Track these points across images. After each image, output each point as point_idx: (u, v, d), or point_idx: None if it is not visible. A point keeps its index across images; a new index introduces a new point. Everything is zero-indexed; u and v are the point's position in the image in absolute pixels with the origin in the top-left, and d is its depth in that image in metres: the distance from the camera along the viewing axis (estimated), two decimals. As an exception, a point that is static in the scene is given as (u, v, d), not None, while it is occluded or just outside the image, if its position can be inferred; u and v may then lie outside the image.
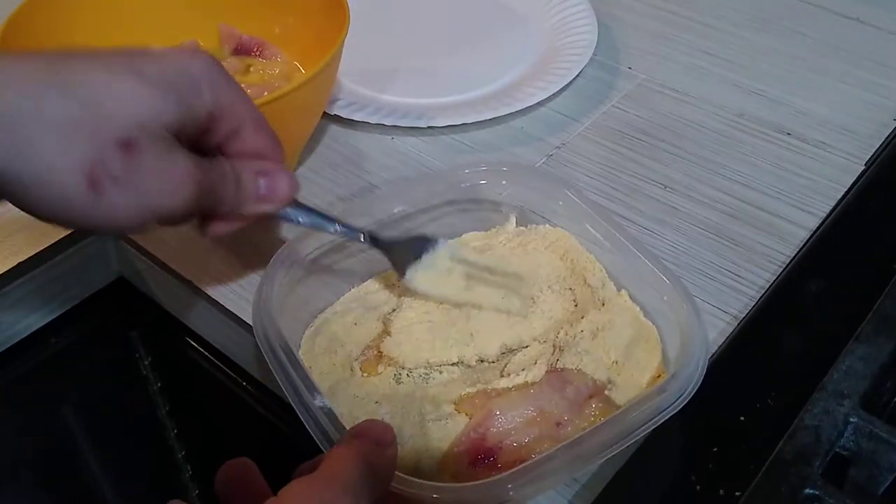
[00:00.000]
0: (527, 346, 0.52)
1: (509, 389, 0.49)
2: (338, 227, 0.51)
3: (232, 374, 0.63)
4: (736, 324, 0.55)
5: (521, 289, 0.54)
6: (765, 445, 0.45)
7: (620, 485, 0.46)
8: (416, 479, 0.40)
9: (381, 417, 0.48)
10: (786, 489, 0.42)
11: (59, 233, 0.62)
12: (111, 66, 0.38)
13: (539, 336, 0.52)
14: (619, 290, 0.54)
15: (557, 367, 0.49)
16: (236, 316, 0.57)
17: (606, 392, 0.48)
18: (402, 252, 0.53)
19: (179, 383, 0.76)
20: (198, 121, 0.41)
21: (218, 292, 0.58)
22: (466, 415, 0.48)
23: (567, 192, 0.56)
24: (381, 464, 0.37)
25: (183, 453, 0.81)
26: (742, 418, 0.48)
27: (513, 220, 0.59)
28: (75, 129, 0.36)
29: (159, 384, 0.76)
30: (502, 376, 0.50)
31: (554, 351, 0.51)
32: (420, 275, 0.53)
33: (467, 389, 0.49)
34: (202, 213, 0.43)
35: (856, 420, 0.44)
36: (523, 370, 0.50)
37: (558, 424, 0.46)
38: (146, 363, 0.74)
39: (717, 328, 0.55)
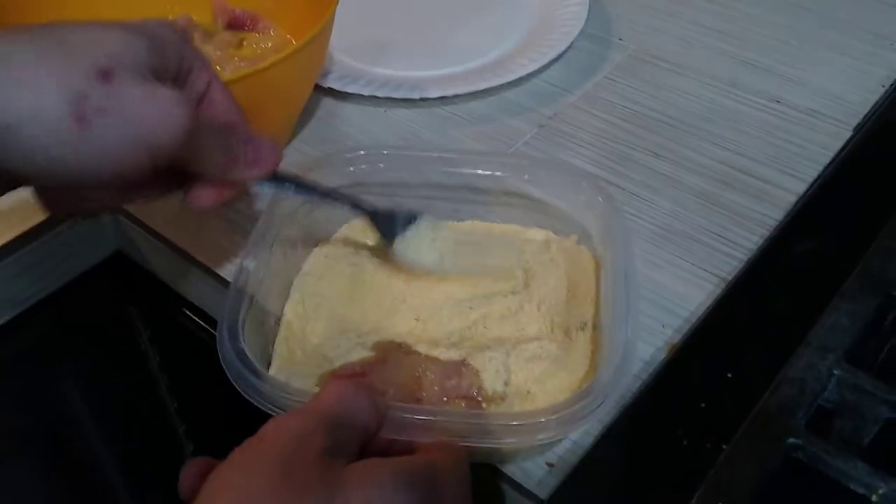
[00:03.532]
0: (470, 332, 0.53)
1: (419, 354, 0.50)
2: (322, 197, 0.52)
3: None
4: (724, 286, 0.56)
5: (508, 254, 0.56)
6: (751, 400, 0.46)
7: (609, 440, 0.47)
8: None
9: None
10: (770, 440, 0.43)
11: (57, 205, 0.62)
12: (81, 21, 0.39)
13: (496, 336, 0.52)
14: (587, 329, 0.52)
15: (466, 359, 0.50)
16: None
17: (483, 404, 0.48)
18: (388, 223, 0.54)
19: (179, 357, 0.76)
20: (169, 68, 0.42)
21: (215, 262, 0.59)
22: (374, 353, 0.50)
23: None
24: (362, 405, 0.38)
25: (184, 428, 0.82)
26: (729, 375, 0.48)
27: (573, 238, 0.57)
28: (48, 67, 0.36)
29: (159, 358, 0.77)
30: (432, 345, 0.51)
31: (482, 346, 0.51)
32: (408, 246, 0.54)
33: (394, 339, 0.52)
34: (190, 169, 0.43)
35: (839, 373, 0.45)
36: (448, 348, 0.51)
37: (417, 400, 0.47)
38: (145, 337, 0.75)
39: (706, 290, 0.55)
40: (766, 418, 0.44)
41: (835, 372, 0.45)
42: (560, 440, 0.48)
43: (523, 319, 0.53)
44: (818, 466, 0.42)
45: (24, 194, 0.61)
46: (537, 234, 0.58)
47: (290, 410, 0.36)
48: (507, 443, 0.43)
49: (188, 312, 0.65)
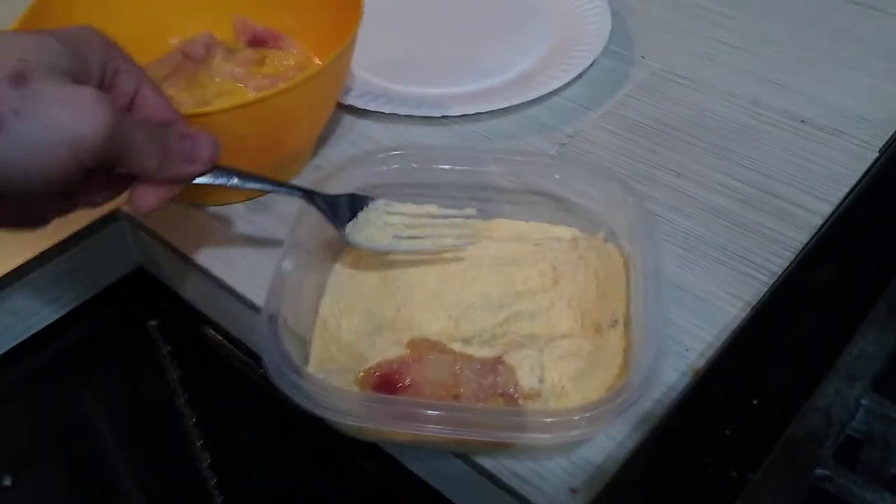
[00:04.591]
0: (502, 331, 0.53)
1: (454, 352, 0.51)
2: (268, 186, 0.52)
3: (250, 362, 0.64)
4: (749, 310, 0.55)
5: (469, 222, 0.57)
6: (777, 428, 0.45)
7: (633, 467, 0.46)
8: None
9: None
10: (797, 470, 0.42)
11: (79, 222, 0.62)
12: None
13: (528, 334, 0.53)
14: (619, 326, 0.53)
15: (502, 356, 0.50)
16: (253, 303, 0.57)
17: (520, 401, 0.48)
18: (337, 209, 0.54)
19: (198, 372, 0.77)
20: (91, 70, 0.42)
21: (234, 280, 0.59)
22: (409, 351, 0.51)
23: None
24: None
25: (201, 442, 0.82)
26: (754, 401, 0.48)
27: (600, 236, 0.57)
28: None
29: (178, 373, 0.77)
30: (466, 343, 0.52)
31: (515, 344, 0.51)
32: (358, 231, 0.54)
33: (429, 337, 0.52)
34: (125, 168, 0.44)
35: (867, 402, 0.45)
36: (482, 345, 0.52)
37: (455, 397, 0.48)
38: (165, 352, 0.75)
39: (730, 314, 0.55)
40: (794, 448, 0.43)
41: (862, 401, 0.45)
42: (591, 439, 0.48)
43: (554, 316, 0.54)
44: (845, 497, 0.42)
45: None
46: (564, 232, 0.59)
47: None
48: (542, 439, 0.44)
49: (207, 329, 0.65)
